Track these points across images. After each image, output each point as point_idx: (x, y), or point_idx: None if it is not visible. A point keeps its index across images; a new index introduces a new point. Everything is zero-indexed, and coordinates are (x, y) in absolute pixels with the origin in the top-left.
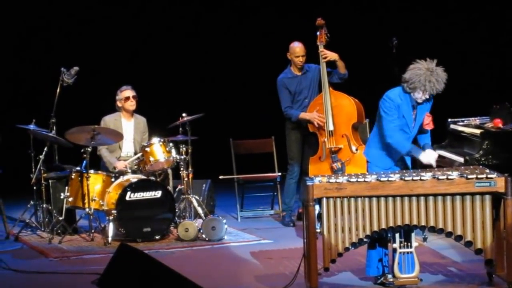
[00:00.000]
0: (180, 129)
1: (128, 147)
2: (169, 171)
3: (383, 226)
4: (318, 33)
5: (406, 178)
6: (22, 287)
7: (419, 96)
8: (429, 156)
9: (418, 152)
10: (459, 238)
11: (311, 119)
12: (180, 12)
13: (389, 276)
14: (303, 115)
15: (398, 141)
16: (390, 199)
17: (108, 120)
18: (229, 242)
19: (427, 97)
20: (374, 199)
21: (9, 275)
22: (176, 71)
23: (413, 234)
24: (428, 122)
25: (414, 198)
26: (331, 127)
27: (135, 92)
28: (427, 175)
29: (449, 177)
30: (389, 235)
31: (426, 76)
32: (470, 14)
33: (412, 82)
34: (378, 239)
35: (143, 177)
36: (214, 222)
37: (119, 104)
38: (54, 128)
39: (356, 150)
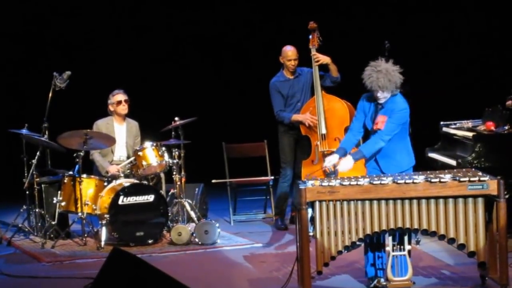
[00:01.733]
0: (173, 133)
1: (120, 151)
2: (162, 175)
3: (376, 229)
4: (310, 36)
5: (399, 181)
6: None
7: (374, 95)
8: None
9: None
10: (452, 241)
11: (303, 120)
12: (173, 15)
13: (382, 279)
14: (296, 117)
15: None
16: (383, 202)
17: (101, 124)
18: (222, 246)
19: (377, 94)
20: (367, 203)
21: (2, 280)
22: (168, 75)
23: (406, 237)
24: (377, 121)
25: (406, 201)
26: (323, 131)
27: (127, 96)
28: (419, 178)
29: (442, 180)
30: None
31: (369, 72)
32: (464, 16)
33: (364, 82)
34: (371, 242)
35: (135, 181)
36: (207, 226)
37: (111, 108)
38: (47, 132)
39: (349, 153)
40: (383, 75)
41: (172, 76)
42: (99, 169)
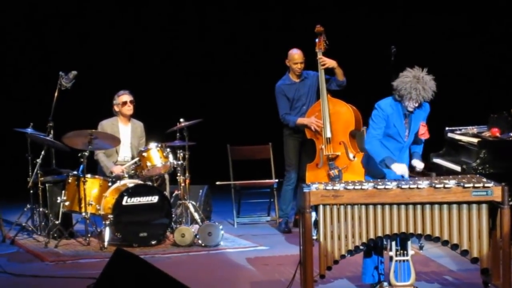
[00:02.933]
0: (178, 134)
1: (125, 151)
2: (166, 176)
3: (380, 234)
4: (316, 40)
5: (403, 186)
6: None
7: (408, 104)
8: (400, 168)
9: (391, 162)
10: (455, 246)
11: (308, 124)
12: (179, 17)
13: (385, 284)
14: (301, 120)
15: (374, 148)
16: (387, 207)
17: (105, 125)
18: (225, 248)
19: (416, 105)
20: (371, 207)
21: (5, 279)
22: (174, 76)
23: (409, 242)
24: (423, 132)
25: (410, 206)
26: (328, 134)
27: (133, 96)
28: (424, 184)
29: (446, 185)
30: (385, 243)
31: (412, 83)
32: (469, 21)
33: (399, 90)
34: (374, 247)
35: (140, 182)
36: (210, 228)
37: (116, 108)
38: (52, 132)
39: (354, 157)
40: (427, 87)
41: (178, 77)
42: (103, 169)
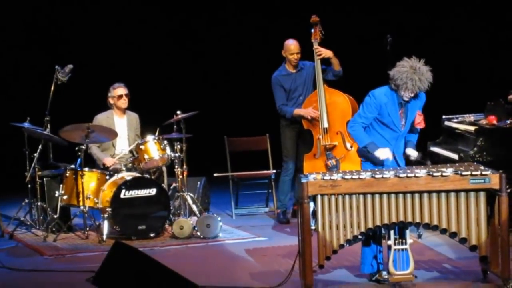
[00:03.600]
0: (175, 126)
1: (122, 144)
2: (164, 168)
3: (378, 223)
4: (312, 30)
5: (401, 175)
6: (17, 285)
7: (404, 94)
8: (384, 152)
9: (374, 148)
10: (453, 235)
11: (305, 114)
12: (175, 9)
13: (384, 273)
14: (298, 111)
15: (357, 133)
16: (385, 196)
17: (101, 118)
18: (224, 239)
19: (411, 95)
20: (369, 196)
21: (4, 273)
22: (170, 68)
23: (407, 231)
24: (419, 121)
25: (408, 195)
26: (325, 124)
27: (128, 89)
28: (421, 172)
29: (444, 174)
30: (383, 232)
31: (408, 74)
32: (465, 9)
33: (395, 79)
34: (373, 236)
35: (137, 174)
36: (208, 220)
37: (111, 101)
38: (49, 126)
39: (351, 147)
40: (423, 78)
41: (174, 69)
42: (97, 162)
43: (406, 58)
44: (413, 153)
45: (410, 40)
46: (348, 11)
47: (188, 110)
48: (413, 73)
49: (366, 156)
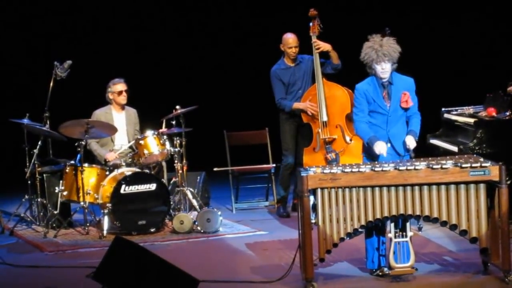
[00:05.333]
0: (174, 121)
1: (121, 139)
2: (164, 163)
3: (378, 216)
4: (311, 24)
5: (401, 168)
6: (17, 282)
7: (379, 69)
8: (379, 147)
9: (374, 141)
10: (454, 227)
11: (304, 108)
12: (174, 4)
13: (385, 269)
14: (296, 105)
15: (361, 131)
16: (385, 189)
17: (99, 114)
18: (224, 234)
19: (385, 66)
20: (369, 189)
21: (5, 270)
22: (169, 63)
23: (408, 224)
24: (404, 100)
25: (408, 188)
26: (325, 118)
27: (127, 85)
28: (421, 165)
29: (444, 166)
30: (387, 227)
31: (369, 48)
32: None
33: (365, 60)
34: (375, 230)
35: (137, 170)
36: (209, 214)
37: (110, 96)
38: (48, 122)
39: (350, 140)
40: (385, 45)
41: (173, 64)
42: (97, 158)
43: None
44: (411, 142)
45: (408, 32)
46: (346, 3)
47: (187, 105)
48: (373, 44)
49: (367, 152)
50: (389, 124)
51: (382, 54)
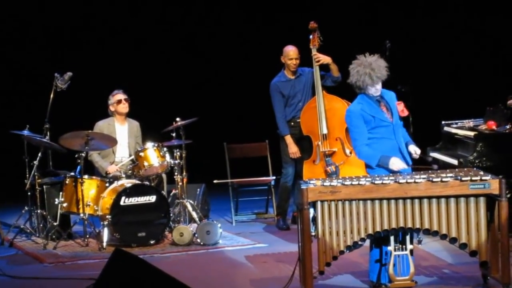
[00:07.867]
0: (174, 133)
1: (122, 151)
2: (164, 175)
3: (378, 229)
4: (311, 36)
5: (401, 181)
6: None
7: (371, 89)
8: (396, 163)
9: (387, 160)
10: (453, 240)
11: (289, 146)
12: (174, 16)
13: (387, 285)
14: (288, 139)
15: (366, 155)
16: (385, 202)
17: (102, 125)
18: (224, 246)
19: (378, 87)
20: (369, 202)
21: (4, 281)
22: (169, 75)
23: (408, 237)
24: (401, 109)
25: (408, 201)
26: (324, 131)
27: (127, 95)
28: (421, 178)
29: (444, 179)
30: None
31: (359, 72)
32: (463, 15)
33: (355, 83)
34: (376, 244)
35: (137, 182)
36: (208, 226)
37: (111, 108)
38: (48, 133)
39: (350, 153)
40: (376, 67)
41: (173, 76)
42: (98, 170)
43: (354, 60)
44: (417, 150)
45: (408, 46)
46: (346, 16)
47: (187, 117)
48: (363, 69)
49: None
50: (396, 134)
51: (376, 78)
